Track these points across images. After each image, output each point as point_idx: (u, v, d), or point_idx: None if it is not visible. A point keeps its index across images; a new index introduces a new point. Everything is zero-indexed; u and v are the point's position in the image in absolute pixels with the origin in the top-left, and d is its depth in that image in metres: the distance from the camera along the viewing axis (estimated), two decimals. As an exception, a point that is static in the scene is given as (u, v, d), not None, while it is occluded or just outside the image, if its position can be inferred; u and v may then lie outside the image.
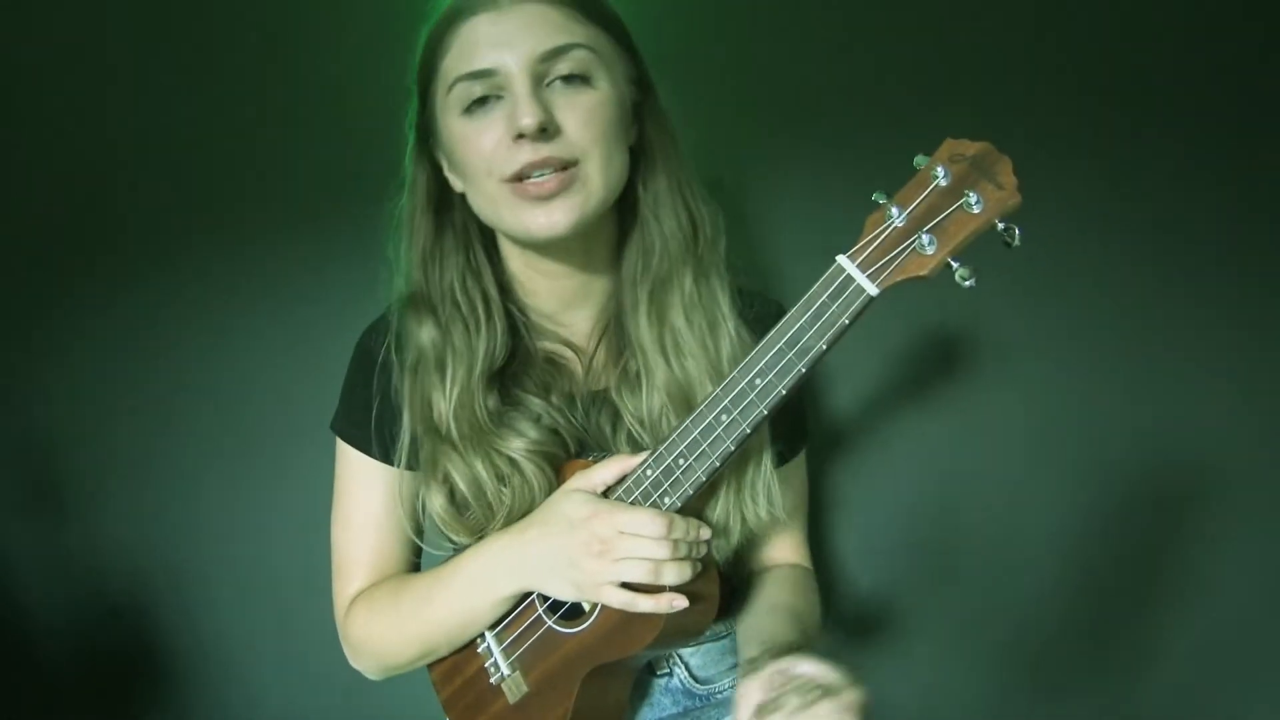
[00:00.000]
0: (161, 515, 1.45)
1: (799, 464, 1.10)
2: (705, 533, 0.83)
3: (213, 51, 1.40)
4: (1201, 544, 1.34)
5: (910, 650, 1.39)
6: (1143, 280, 1.32)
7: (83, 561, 1.45)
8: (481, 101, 0.85)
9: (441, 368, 0.93)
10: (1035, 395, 1.35)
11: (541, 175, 0.84)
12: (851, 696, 0.75)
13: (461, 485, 0.92)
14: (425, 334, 0.94)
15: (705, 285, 0.95)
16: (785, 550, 1.09)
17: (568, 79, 0.85)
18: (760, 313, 1.00)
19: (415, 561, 1.06)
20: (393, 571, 1.03)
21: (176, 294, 1.44)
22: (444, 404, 0.92)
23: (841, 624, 1.39)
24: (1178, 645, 1.37)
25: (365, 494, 1.01)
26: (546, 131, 0.82)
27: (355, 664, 1.04)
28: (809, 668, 0.78)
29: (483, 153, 0.85)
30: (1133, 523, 1.35)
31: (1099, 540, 1.35)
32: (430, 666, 1.02)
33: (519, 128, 0.81)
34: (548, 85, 0.85)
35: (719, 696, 1.06)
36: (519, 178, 0.84)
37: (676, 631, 0.87)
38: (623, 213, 0.98)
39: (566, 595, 0.87)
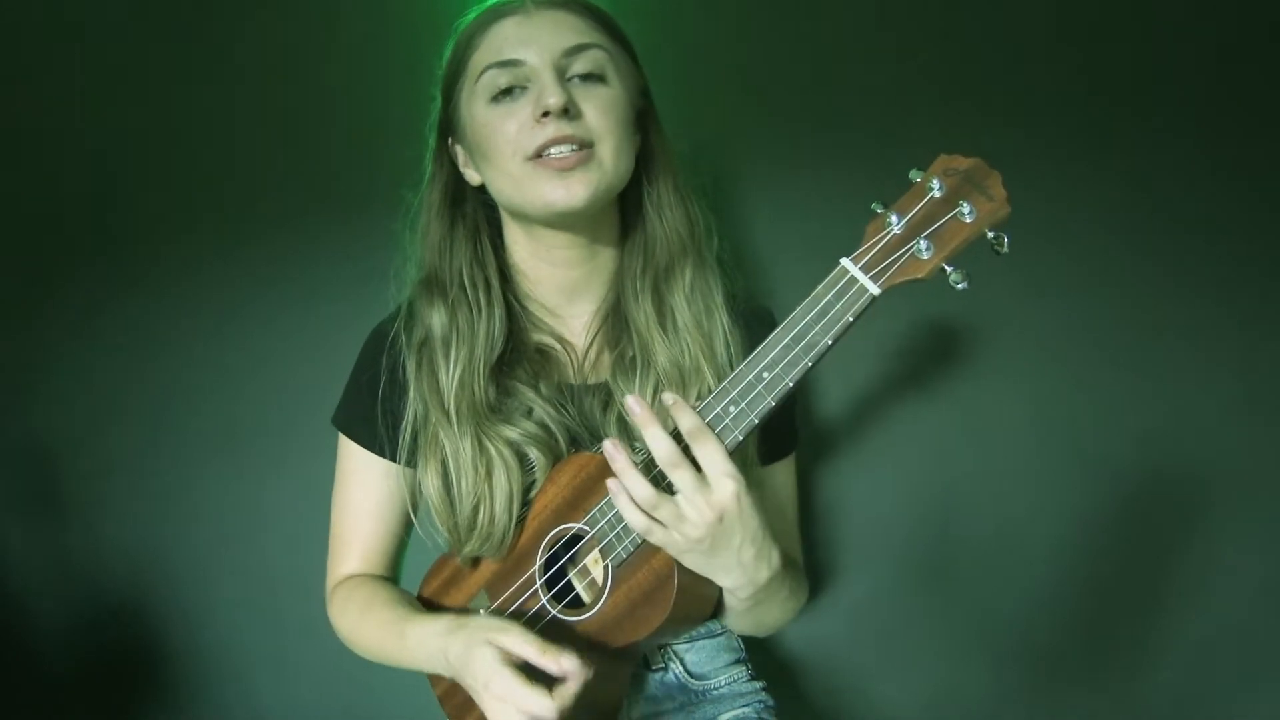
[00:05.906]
0: (160, 516, 1.45)
1: (789, 467, 1.16)
2: None
3: (211, 52, 1.42)
4: (1202, 544, 1.34)
5: (910, 651, 1.40)
6: (1144, 279, 1.33)
7: (82, 563, 1.45)
8: (508, 91, 0.94)
9: (447, 347, 1.00)
10: (1035, 395, 1.35)
11: (562, 151, 0.92)
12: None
13: (450, 467, 0.98)
14: (435, 315, 1.02)
15: (701, 277, 1.04)
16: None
17: (585, 76, 0.95)
18: (747, 312, 1.09)
19: (403, 540, 1.13)
20: (380, 556, 1.11)
21: (174, 295, 1.45)
22: (447, 382, 0.99)
23: (841, 625, 1.38)
24: (1178, 645, 1.36)
25: (360, 485, 1.09)
26: (569, 112, 0.92)
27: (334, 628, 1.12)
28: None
29: (509, 134, 0.93)
30: (1133, 523, 1.35)
31: (1099, 540, 1.35)
32: None
33: (545, 106, 0.90)
34: (569, 80, 0.94)
35: (714, 692, 1.08)
36: (540, 153, 0.92)
37: (683, 618, 0.90)
38: (626, 213, 1.06)
39: None
